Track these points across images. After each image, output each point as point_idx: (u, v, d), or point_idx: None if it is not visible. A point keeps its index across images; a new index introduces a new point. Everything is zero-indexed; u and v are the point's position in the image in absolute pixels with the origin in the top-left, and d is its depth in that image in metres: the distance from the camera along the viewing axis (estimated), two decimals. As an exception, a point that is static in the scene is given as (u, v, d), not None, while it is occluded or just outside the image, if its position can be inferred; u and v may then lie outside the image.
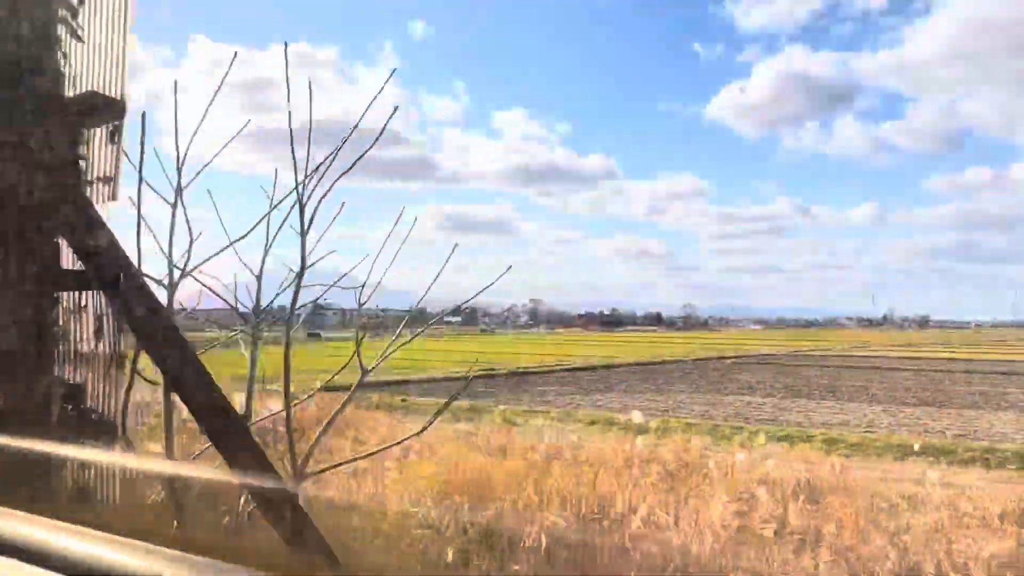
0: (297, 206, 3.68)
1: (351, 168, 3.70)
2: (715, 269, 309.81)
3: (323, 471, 4.37)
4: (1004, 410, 27.81)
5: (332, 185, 3.71)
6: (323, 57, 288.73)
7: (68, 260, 2.67)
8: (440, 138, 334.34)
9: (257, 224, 3.77)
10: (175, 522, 3.40)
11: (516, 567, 7.39)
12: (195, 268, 3.56)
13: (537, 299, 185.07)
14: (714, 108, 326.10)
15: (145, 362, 3.09)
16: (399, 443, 7.38)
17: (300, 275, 3.79)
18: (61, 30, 2.82)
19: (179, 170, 3.44)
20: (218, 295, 3.94)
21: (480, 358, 49.96)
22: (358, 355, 3.92)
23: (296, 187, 3.64)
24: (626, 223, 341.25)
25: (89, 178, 2.76)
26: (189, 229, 3.48)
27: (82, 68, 2.81)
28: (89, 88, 2.78)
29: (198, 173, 3.54)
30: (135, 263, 2.86)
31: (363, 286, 4.19)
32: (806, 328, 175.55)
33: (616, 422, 20.77)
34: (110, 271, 2.59)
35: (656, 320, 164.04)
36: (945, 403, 29.95)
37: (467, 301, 4.70)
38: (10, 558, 1.42)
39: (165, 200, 3.44)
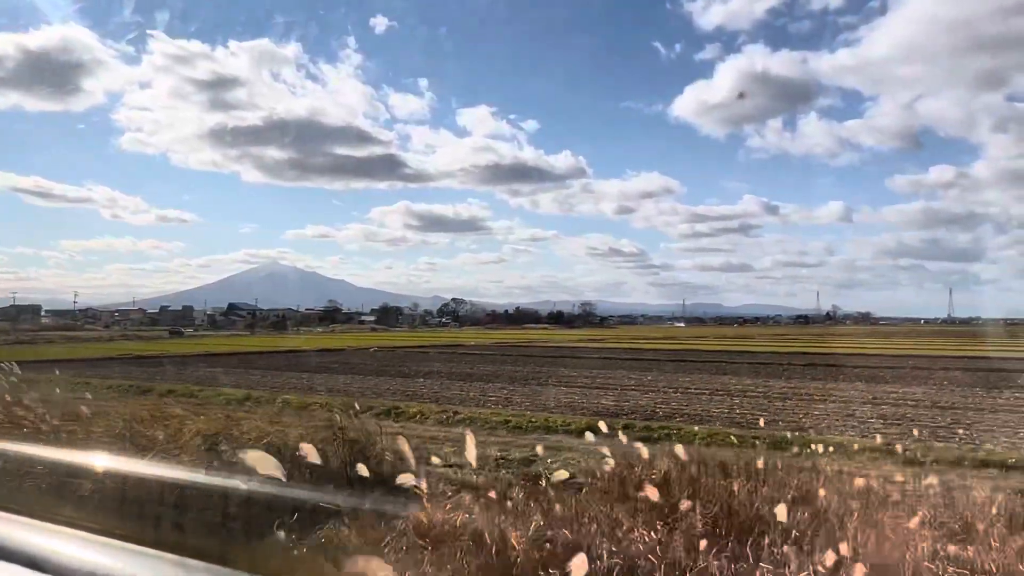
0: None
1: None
2: (686, 268, 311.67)
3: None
4: (350, 375, 32.57)
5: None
6: (285, 54, 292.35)
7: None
8: (407, 135, 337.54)
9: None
10: (176, 527, 3.48)
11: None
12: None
13: (459, 299, 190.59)
14: (678, 107, 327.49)
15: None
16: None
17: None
18: None
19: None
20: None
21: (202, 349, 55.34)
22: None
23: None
24: (597, 221, 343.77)
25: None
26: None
27: None
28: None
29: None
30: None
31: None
32: (730, 325, 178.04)
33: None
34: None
35: (557, 318, 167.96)
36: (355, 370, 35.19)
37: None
38: (14, 564, 1.46)
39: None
